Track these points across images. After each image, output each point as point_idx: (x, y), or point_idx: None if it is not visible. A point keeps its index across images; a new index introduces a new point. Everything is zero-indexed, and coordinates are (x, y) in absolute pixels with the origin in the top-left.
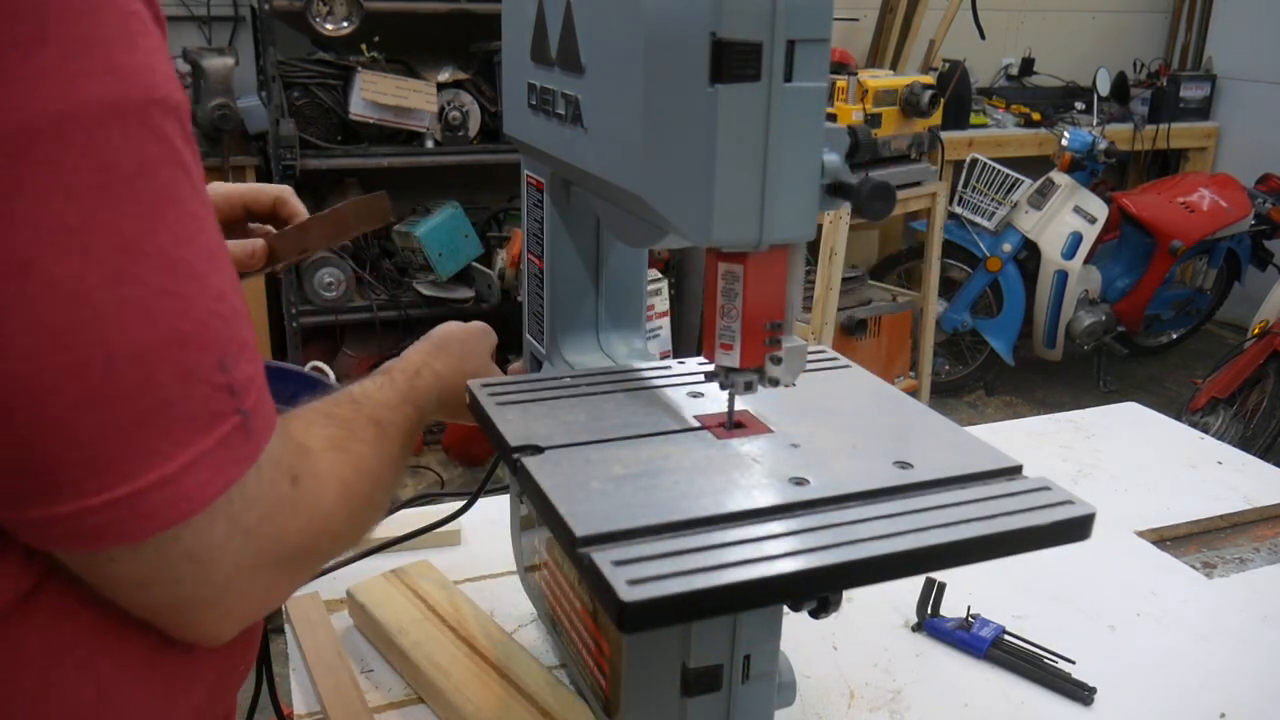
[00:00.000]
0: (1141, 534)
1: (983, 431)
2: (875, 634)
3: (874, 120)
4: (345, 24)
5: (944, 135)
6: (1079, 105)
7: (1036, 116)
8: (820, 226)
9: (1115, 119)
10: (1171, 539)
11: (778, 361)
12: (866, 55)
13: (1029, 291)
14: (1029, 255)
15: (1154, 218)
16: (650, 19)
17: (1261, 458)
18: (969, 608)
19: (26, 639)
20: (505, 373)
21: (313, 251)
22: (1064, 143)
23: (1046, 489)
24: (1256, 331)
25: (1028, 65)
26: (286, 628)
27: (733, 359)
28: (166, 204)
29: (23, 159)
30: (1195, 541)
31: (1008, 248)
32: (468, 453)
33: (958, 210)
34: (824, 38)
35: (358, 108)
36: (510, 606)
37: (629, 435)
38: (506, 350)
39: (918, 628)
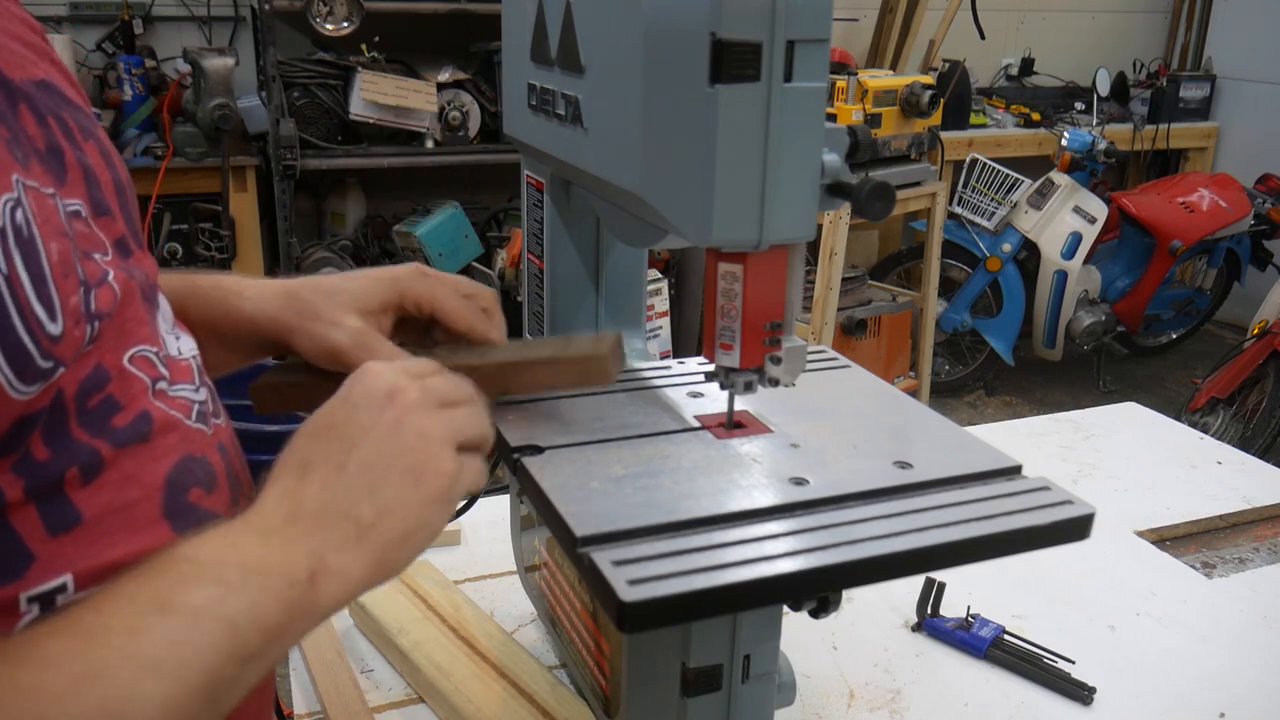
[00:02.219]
0: (1141, 534)
1: (983, 431)
2: (875, 634)
3: (874, 120)
4: (345, 24)
5: (944, 135)
6: (1079, 105)
7: (1036, 116)
8: (820, 226)
9: (1115, 119)
10: (1171, 539)
11: (778, 361)
12: (866, 55)
13: (1029, 291)
14: (1029, 255)
15: (1154, 218)
16: (650, 19)
17: (1261, 458)
18: (969, 608)
19: None
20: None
21: (514, 393)
22: (1064, 143)
23: (1046, 489)
24: (1256, 331)
25: (1028, 65)
26: None
27: (733, 359)
28: None
29: None
30: (1195, 541)
31: (1007, 248)
32: None
33: (958, 210)
34: (824, 38)
35: (358, 108)
36: (510, 606)
37: (629, 435)
38: None
39: (918, 628)
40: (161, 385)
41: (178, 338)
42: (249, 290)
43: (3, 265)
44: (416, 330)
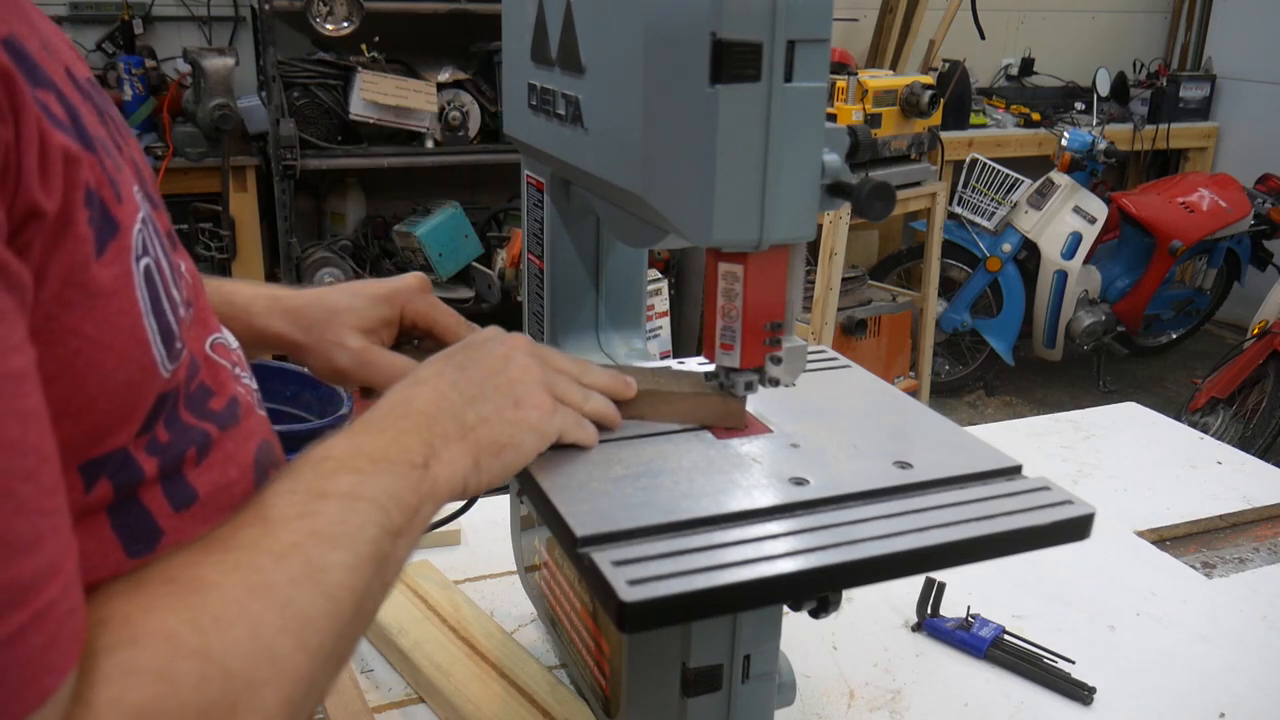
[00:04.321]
0: (1141, 534)
1: (983, 431)
2: (875, 634)
3: (874, 120)
4: (345, 24)
5: (944, 135)
6: (1079, 105)
7: (1036, 116)
8: (820, 226)
9: (1115, 119)
10: (1171, 539)
11: (778, 361)
12: (866, 55)
13: (1029, 291)
14: (1029, 255)
15: (1154, 218)
16: (650, 19)
17: (1261, 458)
18: (969, 608)
19: None
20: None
21: (647, 419)
22: (1064, 143)
23: (1046, 489)
24: (1256, 331)
25: (1028, 65)
26: None
27: (733, 359)
28: None
29: None
30: (1195, 541)
31: (1007, 248)
32: None
33: (958, 210)
34: (824, 38)
35: (358, 108)
36: (510, 606)
37: (629, 435)
38: None
39: (918, 628)
40: (238, 371)
41: (221, 330)
42: (256, 305)
43: (151, 249)
44: (408, 341)
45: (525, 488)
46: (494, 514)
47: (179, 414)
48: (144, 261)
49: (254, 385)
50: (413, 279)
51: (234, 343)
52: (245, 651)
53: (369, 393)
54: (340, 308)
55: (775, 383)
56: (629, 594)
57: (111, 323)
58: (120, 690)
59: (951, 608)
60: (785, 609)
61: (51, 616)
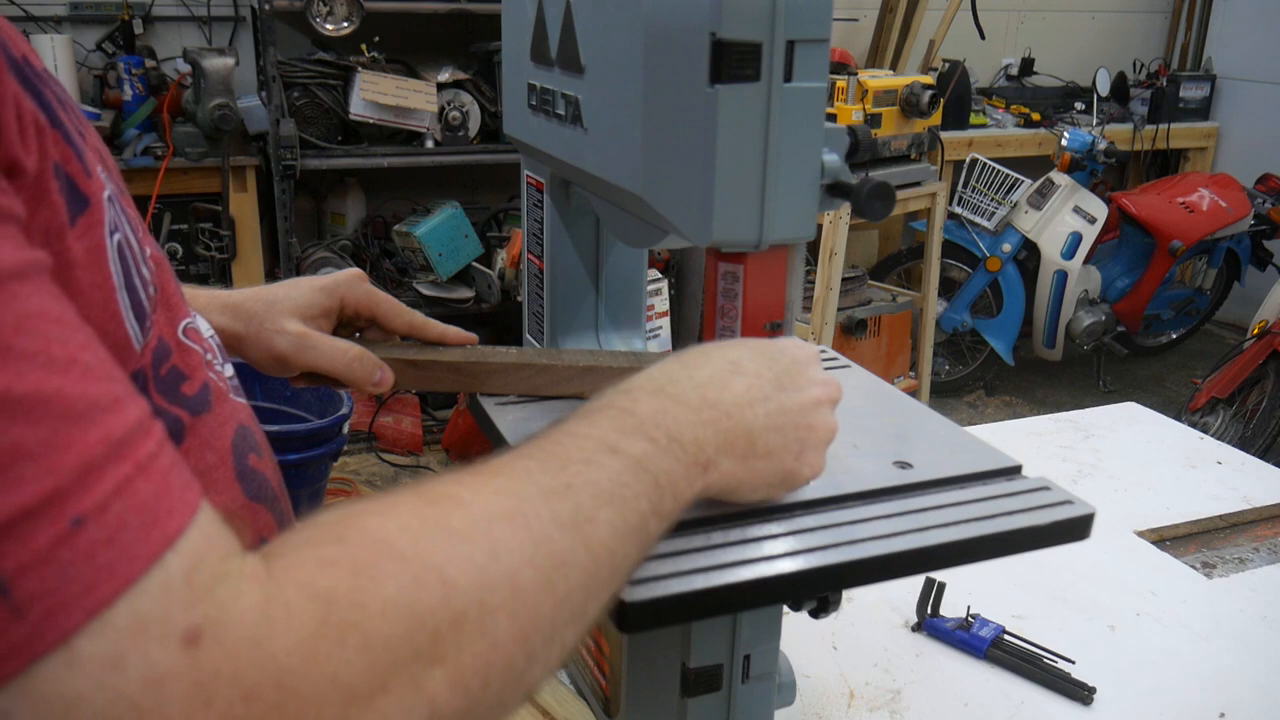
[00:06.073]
0: (1141, 534)
1: (983, 431)
2: (875, 634)
3: (874, 120)
4: (345, 24)
5: (944, 135)
6: (1079, 105)
7: (1036, 116)
8: (820, 226)
9: (1115, 119)
10: (1171, 539)
11: None
12: (866, 55)
13: (1029, 291)
14: (1029, 255)
15: (1154, 218)
16: (650, 19)
17: (1261, 458)
18: (969, 608)
19: None
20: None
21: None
22: (1064, 143)
23: (1046, 489)
24: (1256, 331)
25: (1028, 65)
26: None
27: None
28: None
29: None
30: (1195, 541)
31: (1007, 248)
32: (468, 453)
33: (958, 210)
34: (824, 38)
35: (358, 108)
36: None
37: None
38: None
39: (918, 628)
40: (209, 358)
41: (193, 315)
42: (195, 304)
43: (120, 225)
44: (349, 333)
45: None
46: None
47: (150, 396)
48: (116, 236)
49: (228, 373)
50: (350, 271)
51: (207, 329)
52: (478, 569)
53: (312, 378)
54: (278, 297)
55: None
56: (629, 594)
57: (86, 295)
58: (312, 575)
59: (951, 608)
60: (785, 609)
61: (155, 468)
